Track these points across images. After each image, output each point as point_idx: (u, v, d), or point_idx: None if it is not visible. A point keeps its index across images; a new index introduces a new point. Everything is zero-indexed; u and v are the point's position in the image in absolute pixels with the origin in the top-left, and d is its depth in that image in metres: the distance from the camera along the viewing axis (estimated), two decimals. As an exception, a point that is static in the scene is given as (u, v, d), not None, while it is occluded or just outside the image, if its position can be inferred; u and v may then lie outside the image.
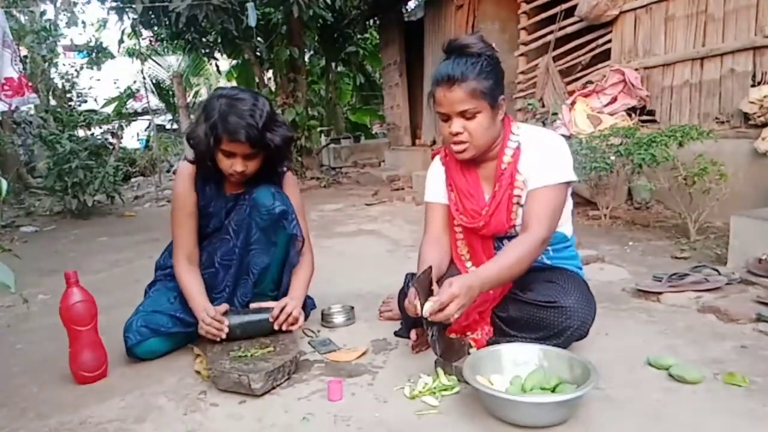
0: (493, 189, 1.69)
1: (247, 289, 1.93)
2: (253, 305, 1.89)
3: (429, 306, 1.42)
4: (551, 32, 5.09)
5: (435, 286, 1.52)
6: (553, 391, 1.36)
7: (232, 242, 1.93)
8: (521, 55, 5.48)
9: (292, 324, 1.80)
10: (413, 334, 1.77)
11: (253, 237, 1.90)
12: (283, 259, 1.96)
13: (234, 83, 13.28)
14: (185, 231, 1.92)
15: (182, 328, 1.86)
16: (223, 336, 1.74)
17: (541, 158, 1.62)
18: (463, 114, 1.57)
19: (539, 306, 1.56)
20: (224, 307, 1.82)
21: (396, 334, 1.95)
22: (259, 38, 8.30)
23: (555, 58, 5.08)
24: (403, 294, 1.78)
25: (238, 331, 1.76)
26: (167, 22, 7.56)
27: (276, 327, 1.78)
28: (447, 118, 1.61)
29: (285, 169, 2.00)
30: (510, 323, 1.62)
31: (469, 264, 1.79)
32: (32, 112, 8.37)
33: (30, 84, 6.14)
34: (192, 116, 11.29)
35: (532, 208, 1.60)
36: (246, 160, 1.81)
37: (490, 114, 1.59)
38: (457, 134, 1.60)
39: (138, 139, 15.48)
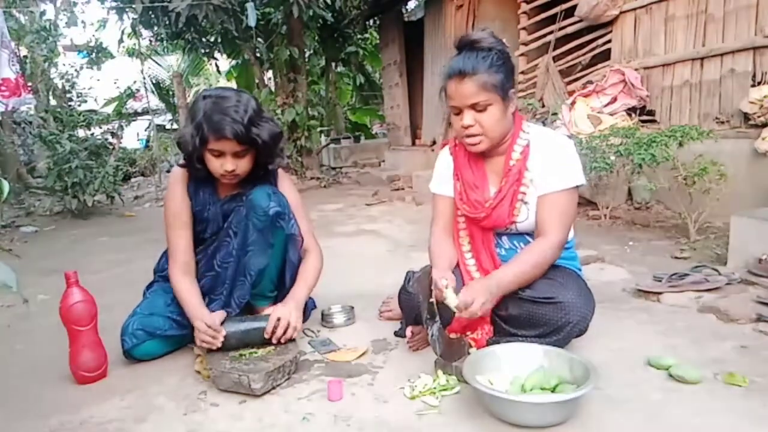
0: (500, 183, 1.71)
1: (244, 291, 1.90)
2: (249, 317, 1.87)
3: (456, 301, 1.48)
4: (551, 32, 5.09)
5: (449, 291, 1.53)
6: (553, 391, 1.36)
7: (231, 244, 1.91)
8: (521, 55, 5.48)
9: (292, 333, 1.75)
10: (408, 331, 1.78)
11: (250, 238, 1.87)
12: (282, 260, 1.95)
13: (234, 83, 13.28)
14: (180, 239, 1.89)
15: (178, 330, 1.85)
16: (218, 345, 1.69)
17: (553, 162, 1.64)
18: (474, 107, 1.59)
19: (538, 302, 1.57)
20: (222, 314, 1.77)
21: (396, 334, 1.95)
22: (259, 38, 8.30)
23: (555, 58, 5.08)
24: (404, 291, 1.78)
25: (233, 341, 1.71)
26: (167, 22, 7.56)
27: (274, 341, 1.73)
28: (458, 111, 1.63)
29: (277, 166, 1.96)
30: (510, 321, 1.62)
31: (468, 255, 1.79)
32: (32, 112, 8.36)
33: (27, 85, 6.15)
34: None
35: (546, 213, 1.63)
36: (236, 158, 1.78)
37: (501, 107, 1.60)
38: (468, 127, 1.61)
39: (138, 139, 15.44)
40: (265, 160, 1.89)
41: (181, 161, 1.89)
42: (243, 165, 1.81)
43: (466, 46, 1.62)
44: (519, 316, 1.60)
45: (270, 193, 1.87)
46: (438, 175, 1.86)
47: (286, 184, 2.02)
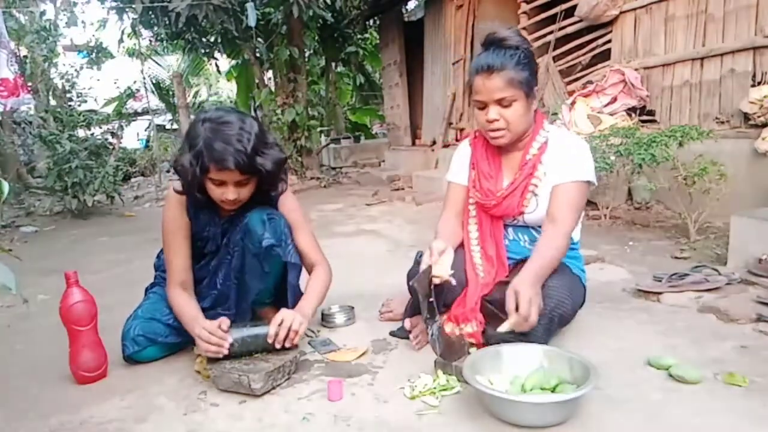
0: (514, 176, 1.75)
1: (247, 306, 1.90)
2: (252, 322, 1.82)
3: (513, 321, 1.45)
4: (551, 32, 5.09)
5: (447, 266, 1.53)
6: (553, 391, 1.36)
7: (232, 264, 1.87)
8: (521, 55, 5.48)
9: (293, 337, 1.67)
10: (407, 323, 1.79)
11: (247, 261, 1.83)
12: (279, 277, 1.90)
13: (234, 83, 13.27)
14: (178, 257, 1.83)
15: (178, 337, 1.84)
16: (225, 352, 1.61)
17: (568, 157, 1.69)
18: (500, 102, 1.63)
19: None
20: (225, 321, 1.67)
21: (392, 333, 1.95)
22: (259, 38, 8.30)
23: (555, 58, 5.08)
24: (416, 264, 1.78)
25: (236, 346, 1.65)
26: (167, 22, 7.57)
27: (278, 346, 1.65)
28: (484, 106, 1.66)
29: (279, 192, 1.89)
30: (498, 306, 1.63)
31: (475, 242, 1.81)
32: (32, 112, 8.36)
33: (25, 85, 6.15)
34: (192, 116, 11.28)
35: (558, 202, 1.67)
36: (238, 187, 1.70)
37: (525, 103, 1.65)
38: (493, 121, 1.65)
39: (138, 139, 15.45)
40: (267, 187, 1.83)
41: (178, 187, 1.79)
42: (245, 193, 1.74)
43: (493, 43, 1.66)
44: (502, 299, 1.59)
45: (265, 219, 1.80)
46: (455, 165, 1.90)
47: (288, 201, 1.94)
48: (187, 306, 1.78)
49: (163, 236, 1.86)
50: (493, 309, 1.65)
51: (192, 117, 11.35)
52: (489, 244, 1.78)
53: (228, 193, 1.70)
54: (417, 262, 1.77)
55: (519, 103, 1.63)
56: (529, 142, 1.74)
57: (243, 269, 1.85)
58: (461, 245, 1.84)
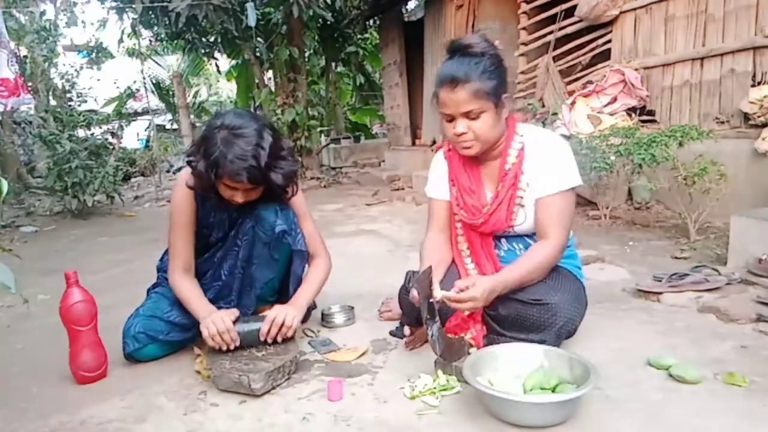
0: (496, 188, 1.69)
1: (250, 301, 1.91)
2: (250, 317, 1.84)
3: (444, 294, 1.47)
4: (551, 32, 5.09)
5: (435, 286, 1.53)
6: (553, 391, 1.36)
7: (240, 254, 1.89)
8: (521, 55, 5.48)
9: (286, 332, 1.72)
10: (407, 329, 1.78)
11: (256, 251, 1.86)
12: (285, 271, 1.94)
13: (234, 83, 13.27)
14: (183, 242, 1.86)
15: (179, 334, 1.85)
16: (232, 347, 1.68)
17: (549, 164, 1.64)
18: (467, 114, 1.57)
19: (525, 303, 1.58)
20: (234, 313, 1.74)
21: (391, 333, 1.95)
22: (259, 38, 8.30)
23: (555, 58, 5.08)
24: (404, 290, 1.78)
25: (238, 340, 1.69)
26: (167, 22, 7.57)
27: (269, 340, 1.70)
28: (451, 118, 1.60)
29: (289, 197, 1.92)
30: (499, 321, 1.63)
31: (468, 260, 1.79)
32: (32, 112, 8.37)
33: (25, 85, 6.16)
34: (192, 116, 11.29)
35: (547, 215, 1.63)
36: (248, 192, 1.76)
37: (494, 113, 1.58)
38: (461, 134, 1.59)
39: (138, 139, 15.45)
40: (276, 195, 1.86)
41: (191, 183, 1.81)
42: (253, 196, 1.79)
43: (458, 50, 1.59)
44: (508, 317, 1.60)
45: (277, 209, 1.86)
46: (433, 180, 1.85)
47: (296, 195, 1.97)
48: (192, 293, 1.81)
49: (170, 220, 1.88)
50: (493, 324, 1.65)
51: (192, 118, 11.36)
52: (483, 260, 1.74)
53: (237, 197, 1.75)
54: (407, 290, 1.74)
55: (487, 114, 1.56)
56: (504, 150, 1.67)
57: (250, 259, 1.88)
58: (452, 262, 1.80)
